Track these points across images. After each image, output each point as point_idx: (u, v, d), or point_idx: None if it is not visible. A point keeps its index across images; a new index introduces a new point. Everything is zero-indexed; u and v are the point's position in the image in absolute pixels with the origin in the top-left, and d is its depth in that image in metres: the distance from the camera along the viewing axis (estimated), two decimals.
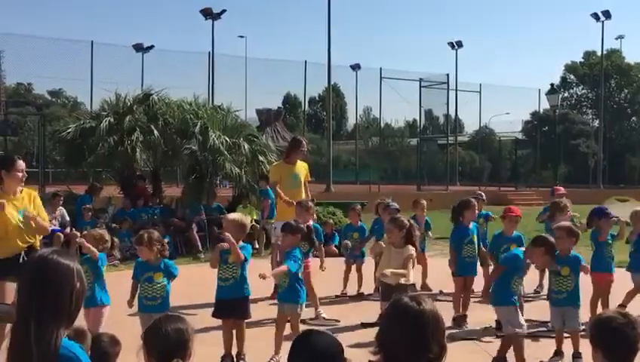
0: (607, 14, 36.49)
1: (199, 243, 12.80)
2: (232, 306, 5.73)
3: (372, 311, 7.31)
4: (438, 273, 8.97)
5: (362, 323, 7.16)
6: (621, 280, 7.35)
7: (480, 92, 38.23)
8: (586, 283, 6.34)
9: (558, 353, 5.93)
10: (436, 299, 8.73)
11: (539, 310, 7.23)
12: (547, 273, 6.46)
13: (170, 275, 5.58)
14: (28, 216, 5.62)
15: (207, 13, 30.39)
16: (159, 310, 5.03)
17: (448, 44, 39.18)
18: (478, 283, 7.88)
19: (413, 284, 6.26)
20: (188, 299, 7.51)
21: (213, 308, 5.87)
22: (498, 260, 6.74)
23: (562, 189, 10.34)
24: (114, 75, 25.63)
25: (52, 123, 19.22)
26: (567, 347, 5.90)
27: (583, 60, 53.36)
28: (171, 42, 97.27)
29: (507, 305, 5.68)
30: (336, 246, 12.63)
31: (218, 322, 5.86)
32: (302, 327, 5.84)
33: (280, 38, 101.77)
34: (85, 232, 6.30)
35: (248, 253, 5.78)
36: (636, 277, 7.26)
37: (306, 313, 6.87)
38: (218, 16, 30.54)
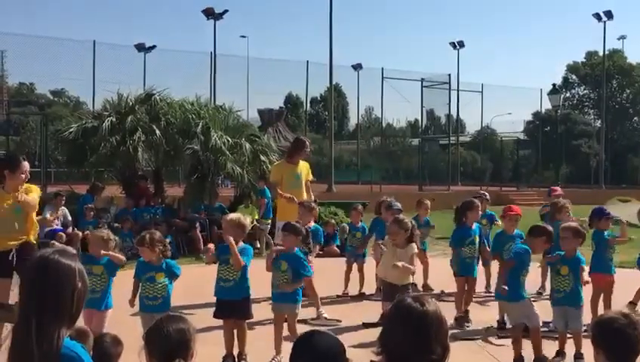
0: (609, 14, 36.44)
1: (202, 243, 12.79)
2: (232, 307, 5.72)
3: (373, 311, 7.31)
4: (440, 273, 8.97)
5: (364, 323, 7.16)
6: (621, 280, 7.34)
7: (482, 92, 38.22)
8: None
9: (560, 353, 5.93)
10: (438, 299, 8.74)
11: (540, 310, 7.22)
12: (549, 274, 6.46)
13: (173, 275, 5.58)
14: (20, 200, 5.67)
15: (209, 14, 30.40)
16: (160, 310, 5.04)
17: (450, 44, 39.19)
18: (479, 284, 7.89)
19: (415, 284, 6.27)
20: (189, 298, 7.51)
21: (214, 309, 5.87)
22: (503, 258, 6.76)
23: (559, 190, 10.32)
24: (116, 74, 25.68)
25: (54, 123, 19.25)
26: (569, 347, 5.90)
27: (584, 60, 53.27)
28: (173, 42, 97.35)
29: (522, 300, 5.75)
30: (337, 246, 12.65)
31: (219, 322, 5.85)
32: (303, 327, 5.84)
33: (282, 38, 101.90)
34: (88, 232, 6.32)
35: (249, 256, 5.74)
36: None
37: (308, 313, 6.88)
38: (220, 16, 30.56)
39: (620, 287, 7.16)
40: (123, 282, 5.67)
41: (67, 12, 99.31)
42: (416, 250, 6.10)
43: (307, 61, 33.56)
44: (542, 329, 6.75)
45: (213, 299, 5.91)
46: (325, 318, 7.44)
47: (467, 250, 7.39)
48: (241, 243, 5.74)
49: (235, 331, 5.78)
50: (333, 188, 25.91)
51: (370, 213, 10.33)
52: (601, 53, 42.02)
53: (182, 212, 13.93)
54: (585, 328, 5.61)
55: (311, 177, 8.86)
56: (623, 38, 50.14)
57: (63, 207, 12.19)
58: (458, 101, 36.66)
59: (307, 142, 8.79)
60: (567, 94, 52.82)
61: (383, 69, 33.67)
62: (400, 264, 5.81)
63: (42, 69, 28.64)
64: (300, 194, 8.34)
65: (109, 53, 27.95)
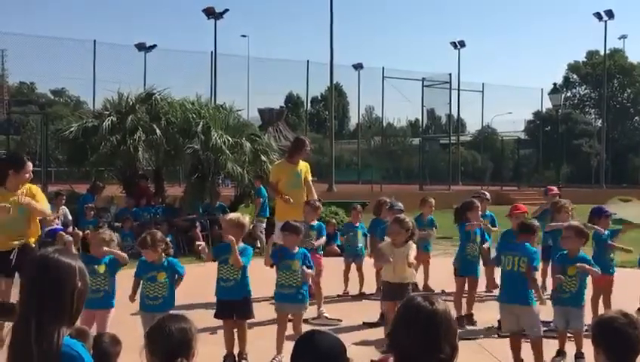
0: (609, 14, 36.47)
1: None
2: (233, 307, 5.73)
3: (374, 310, 7.32)
4: (440, 273, 8.96)
5: (364, 323, 7.16)
6: (622, 280, 7.33)
7: (482, 91, 38.25)
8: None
9: (561, 353, 5.92)
10: None
11: (542, 310, 7.22)
12: (549, 274, 6.46)
13: (176, 274, 5.57)
14: (21, 202, 5.67)
15: (209, 13, 30.43)
16: (161, 309, 5.03)
17: (451, 43, 39.22)
18: (480, 284, 7.89)
19: (415, 283, 6.26)
20: (190, 298, 7.49)
21: (215, 308, 5.87)
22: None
23: (555, 189, 10.29)
24: (116, 74, 25.73)
25: (54, 122, 19.25)
26: (570, 347, 5.89)
27: (585, 60, 53.28)
28: (174, 42, 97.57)
29: (534, 304, 5.77)
30: (338, 246, 12.64)
31: (220, 321, 5.85)
32: (304, 327, 5.84)
33: (282, 37, 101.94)
34: (89, 232, 6.33)
35: (249, 256, 5.75)
36: None
37: (308, 312, 6.88)
38: (220, 15, 30.58)
39: (620, 287, 7.16)
40: (123, 281, 5.67)
41: (67, 11, 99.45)
42: (414, 247, 6.08)
43: (308, 61, 33.63)
44: (542, 329, 6.78)
45: (214, 299, 5.91)
46: (326, 318, 7.45)
47: (469, 248, 7.40)
48: (241, 243, 5.74)
49: (236, 330, 5.78)
50: (334, 187, 25.92)
51: (368, 213, 10.31)
52: (602, 53, 42.04)
53: (183, 212, 13.93)
54: (586, 327, 5.60)
55: (310, 177, 8.86)
56: (624, 37, 50.17)
57: (63, 207, 12.19)
58: (459, 100, 36.77)
59: (307, 142, 8.79)
60: (568, 94, 52.80)
61: (383, 68, 33.76)
62: (412, 258, 5.81)
63: (43, 68, 28.75)
64: (301, 194, 8.32)
65: (109, 52, 28.01)
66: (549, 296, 6.30)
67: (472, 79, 54.59)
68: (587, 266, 5.80)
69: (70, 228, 11.83)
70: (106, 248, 5.49)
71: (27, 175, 5.88)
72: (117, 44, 34.10)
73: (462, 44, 38.78)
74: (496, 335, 6.64)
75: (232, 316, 5.75)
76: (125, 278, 5.73)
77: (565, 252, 5.99)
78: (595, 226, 7.09)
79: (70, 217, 12.22)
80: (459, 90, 36.05)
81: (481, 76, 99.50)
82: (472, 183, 33.82)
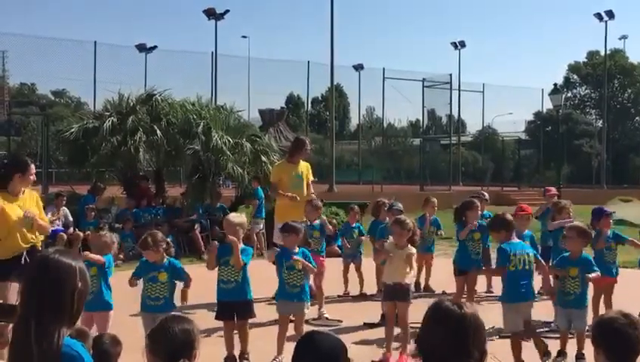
0: (610, 14, 36.44)
1: (202, 244, 12.79)
2: (234, 308, 5.73)
3: (374, 311, 7.32)
4: (441, 273, 8.96)
5: (365, 323, 7.16)
6: (622, 280, 7.33)
7: (483, 92, 38.21)
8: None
9: (562, 353, 5.92)
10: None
11: (542, 310, 7.22)
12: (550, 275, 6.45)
13: (179, 277, 5.55)
14: (29, 216, 5.67)
15: (210, 14, 30.43)
16: (162, 310, 5.03)
17: (451, 44, 39.16)
18: (481, 285, 7.89)
19: (418, 283, 6.27)
20: (190, 298, 7.48)
21: (215, 309, 5.87)
22: None
23: (554, 190, 10.29)
24: (117, 75, 25.68)
25: (55, 123, 19.26)
26: (571, 347, 5.89)
27: (586, 60, 53.21)
28: (174, 42, 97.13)
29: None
30: (338, 246, 12.63)
31: (220, 322, 5.86)
32: (304, 327, 5.84)
33: (283, 38, 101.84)
34: (89, 233, 6.32)
35: (249, 256, 5.78)
36: None
37: (309, 313, 6.88)
38: (221, 16, 30.58)
39: (620, 287, 7.16)
40: (123, 283, 5.66)
41: (68, 12, 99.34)
42: (414, 251, 6.09)
43: (308, 61, 33.56)
44: (543, 330, 6.78)
45: (214, 300, 5.91)
46: (327, 318, 7.45)
47: (471, 246, 7.43)
48: (241, 244, 5.75)
49: (237, 331, 5.78)
50: (335, 188, 25.90)
51: (367, 215, 10.30)
52: (602, 53, 41.99)
53: (184, 213, 13.93)
54: (587, 328, 5.60)
55: (311, 177, 8.87)
56: (624, 37, 50.09)
57: (64, 208, 12.20)
58: (459, 101, 36.71)
59: (307, 142, 8.81)
60: (569, 94, 52.74)
61: (384, 69, 33.72)
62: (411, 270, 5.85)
63: (43, 69, 28.63)
64: (301, 195, 8.34)
65: (110, 53, 27.97)
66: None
67: (473, 79, 54.65)
68: (591, 276, 5.82)
69: (71, 230, 11.85)
70: (89, 253, 5.43)
71: (32, 177, 5.94)
72: (117, 45, 34.25)
73: (462, 44, 38.75)
74: (497, 336, 6.64)
75: (233, 317, 5.75)
76: (124, 279, 5.73)
77: (567, 254, 5.98)
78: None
79: (71, 218, 12.24)
80: (459, 90, 36.02)
81: (481, 76, 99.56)
82: (473, 184, 33.80)
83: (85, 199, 13.07)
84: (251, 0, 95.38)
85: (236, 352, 5.78)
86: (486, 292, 8.73)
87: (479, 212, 7.76)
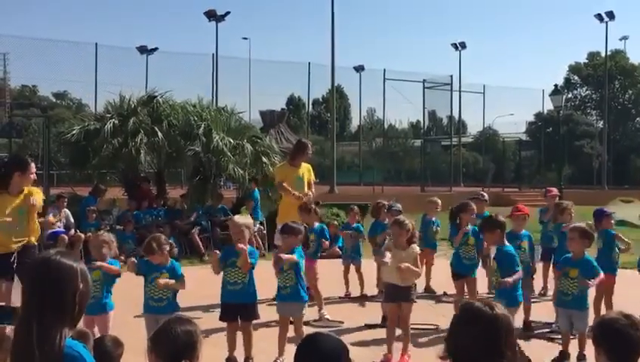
0: (610, 15, 36.43)
1: (201, 245, 12.78)
2: (239, 309, 5.72)
3: (376, 312, 7.32)
4: (441, 275, 8.95)
5: (366, 324, 7.16)
6: (622, 281, 7.32)
7: (484, 93, 38.22)
8: None
9: (564, 354, 5.91)
10: (440, 300, 8.74)
11: (543, 311, 7.22)
12: (551, 273, 6.46)
13: (175, 277, 5.53)
14: (32, 204, 5.72)
15: (211, 15, 30.45)
16: (165, 311, 5.02)
17: (452, 45, 39.11)
18: (481, 285, 7.87)
19: (415, 285, 6.27)
20: (191, 300, 7.49)
21: (219, 310, 5.86)
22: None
23: (555, 190, 10.28)
24: (118, 77, 25.81)
25: (57, 125, 19.23)
26: (571, 348, 5.89)
27: (586, 61, 53.21)
28: (175, 44, 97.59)
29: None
30: (339, 248, 12.63)
31: (222, 323, 5.85)
32: (305, 329, 5.84)
33: (284, 39, 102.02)
34: (90, 235, 6.32)
35: (255, 258, 5.78)
36: None
37: (310, 314, 6.88)
38: (222, 18, 30.60)
39: (620, 288, 7.16)
40: (124, 284, 5.66)
41: (69, 15, 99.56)
42: (418, 251, 6.11)
43: (309, 63, 33.58)
44: (544, 331, 6.78)
45: (216, 301, 5.90)
46: (328, 319, 7.45)
47: (464, 250, 7.42)
48: (248, 246, 5.75)
49: (242, 334, 5.76)
50: (335, 189, 25.92)
51: (368, 216, 10.30)
52: (603, 54, 41.94)
53: (184, 214, 13.93)
54: (588, 328, 5.60)
55: (313, 178, 8.89)
56: (625, 38, 50.16)
57: (65, 209, 12.20)
58: (460, 102, 36.67)
59: (309, 145, 8.84)
60: (570, 95, 52.72)
61: (384, 70, 33.73)
62: (404, 266, 5.80)
63: (44, 71, 28.88)
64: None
65: (111, 55, 28.05)
66: (550, 298, 6.30)
67: (473, 80, 54.88)
68: (588, 282, 5.80)
69: (72, 231, 11.85)
70: (98, 262, 5.42)
71: (32, 175, 5.96)
72: (118, 46, 34.24)
73: (463, 45, 38.71)
74: None
75: (237, 319, 5.75)
76: (126, 280, 5.73)
77: (570, 255, 5.98)
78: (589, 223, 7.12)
79: (72, 220, 12.23)
80: (460, 91, 36.00)
81: (482, 77, 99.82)
82: (474, 185, 33.79)
83: (86, 201, 13.08)
84: (252, 1, 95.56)
85: (240, 357, 5.75)
86: (487, 294, 8.72)
87: (475, 214, 7.77)
